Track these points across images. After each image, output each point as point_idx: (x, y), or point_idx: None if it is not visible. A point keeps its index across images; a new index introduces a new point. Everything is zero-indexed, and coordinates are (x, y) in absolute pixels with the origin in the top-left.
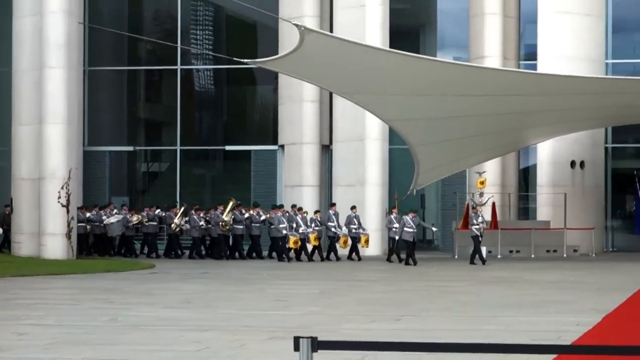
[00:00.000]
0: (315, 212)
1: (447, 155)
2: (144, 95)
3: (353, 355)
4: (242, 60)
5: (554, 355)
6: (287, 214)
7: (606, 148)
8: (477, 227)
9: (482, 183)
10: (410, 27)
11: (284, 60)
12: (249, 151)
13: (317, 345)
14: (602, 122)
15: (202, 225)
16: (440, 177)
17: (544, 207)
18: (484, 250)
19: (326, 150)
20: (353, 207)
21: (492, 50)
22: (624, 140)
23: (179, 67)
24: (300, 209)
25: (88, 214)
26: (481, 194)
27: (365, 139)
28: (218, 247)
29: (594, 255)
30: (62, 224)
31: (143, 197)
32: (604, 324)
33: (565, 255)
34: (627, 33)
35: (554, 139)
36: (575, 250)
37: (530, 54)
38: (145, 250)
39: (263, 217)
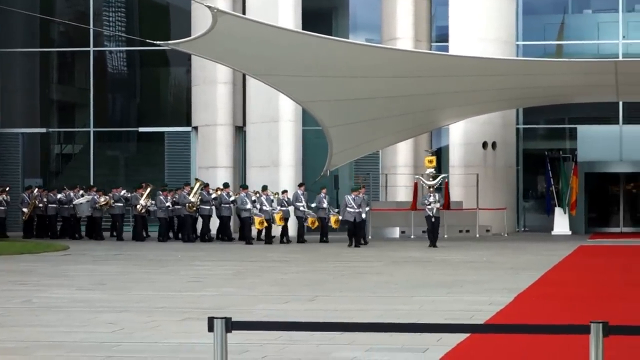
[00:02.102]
0: (283, 192)
1: (360, 137)
2: (56, 77)
3: (267, 335)
4: (154, 42)
5: (467, 334)
6: (258, 194)
7: (517, 129)
8: (429, 207)
9: (430, 162)
10: (323, 9)
11: (197, 42)
12: (163, 133)
13: (231, 325)
14: (513, 103)
15: (169, 206)
16: (353, 158)
17: (457, 188)
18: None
19: (240, 131)
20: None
21: (404, 32)
22: (534, 121)
23: (91, 48)
24: (265, 188)
25: (59, 195)
26: (432, 175)
27: (278, 121)
28: (185, 228)
29: (506, 235)
30: None
31: (57, 178)
32: (516, 304)
33: (477, 236)
34: (538, 15)
35: (465, 120)
36: (487, 230)
37: (441, 36)
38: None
39: (232, 198)
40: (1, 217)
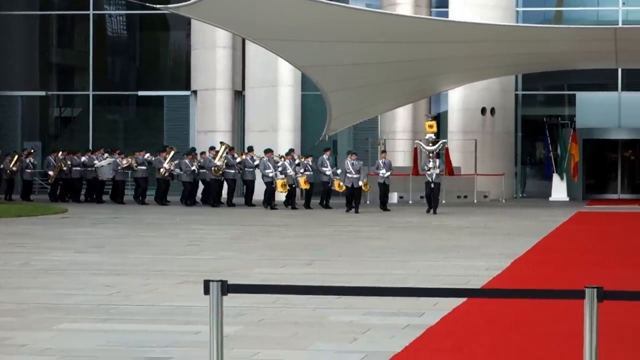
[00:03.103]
0: (307, 156)
1: (359, 102)
2: (56, 40)
3: (264, 299)
4: (154, 5)
5: (464, 299)
6: (282, 159)
7: (516, 95)
8: (429, 172)
9: (430, 127)
10: None
11: (197, 6)
12: (162, 97)
13: (227, 288)
14: (512, 70)
15: (195, 169)
16: (352, 123)
17: (455, 154)
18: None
19: (239, 96)
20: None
21: None
22: (533, 87)
23: (91, 12)
24: (289, 152)
25: (83, 158)
26: (431, 140)
27: (277, 85)
28: (211, 193)
29: (503, 201)
30: None
31: (56, 142)
32: (513, 269)
33: (475, 201)
34: None
35: (464, 86)
36: (485, 196)
37: (441, 1)
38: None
39: (257, 162)
40: (28, 180)
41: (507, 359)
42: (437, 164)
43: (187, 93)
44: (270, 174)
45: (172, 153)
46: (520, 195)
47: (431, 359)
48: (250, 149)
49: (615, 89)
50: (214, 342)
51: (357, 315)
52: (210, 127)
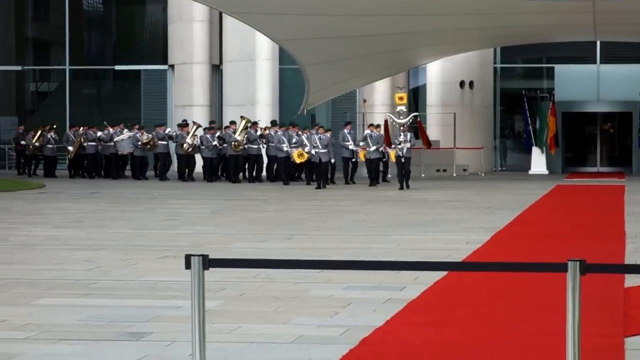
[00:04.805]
0: (326, 130)
1: (338, 75)
2: (31, 14)
3: (245, 273)
4: None
5: (445, 273)
6: (304, 133)
7: (495, 68)
8: (399, 147)
9: (401, 99)
10: None
11: None
12: (139, 71)
13: (208, 263)
14: (490, 43)
15: (216, 144)
16: (330, 96)
17: (434, 127)
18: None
19: (216, 70)
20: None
21: None
22: (512, 60)
23: None
24: (308, 127)
25: (99, 133)
26: (402, 112)
27: (255, 59)
28: (230, 168)
29: (483, 174)
30: None
31: (32, 117)
32: (493, 242)
33: (454, 175)
34: None
35: (443, 59)
36: (464, 170)
37: None
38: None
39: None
40: (50, 156)
41: (488, 333)
42: (409, 137)
43: (165, 67)
44: (285, 148)
45: (195, 128)
46: (500, 168)
47: (412, 332)
48: (274, 123)
49: (594, 61)
50: (196, 316)
51: (337, 289)
52: (187, 102)
